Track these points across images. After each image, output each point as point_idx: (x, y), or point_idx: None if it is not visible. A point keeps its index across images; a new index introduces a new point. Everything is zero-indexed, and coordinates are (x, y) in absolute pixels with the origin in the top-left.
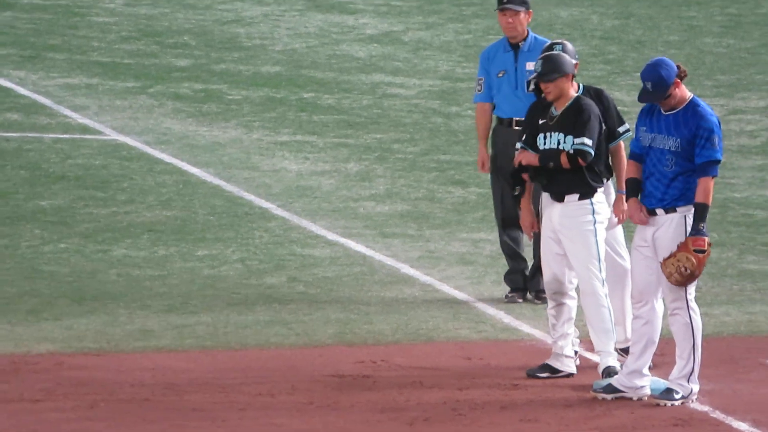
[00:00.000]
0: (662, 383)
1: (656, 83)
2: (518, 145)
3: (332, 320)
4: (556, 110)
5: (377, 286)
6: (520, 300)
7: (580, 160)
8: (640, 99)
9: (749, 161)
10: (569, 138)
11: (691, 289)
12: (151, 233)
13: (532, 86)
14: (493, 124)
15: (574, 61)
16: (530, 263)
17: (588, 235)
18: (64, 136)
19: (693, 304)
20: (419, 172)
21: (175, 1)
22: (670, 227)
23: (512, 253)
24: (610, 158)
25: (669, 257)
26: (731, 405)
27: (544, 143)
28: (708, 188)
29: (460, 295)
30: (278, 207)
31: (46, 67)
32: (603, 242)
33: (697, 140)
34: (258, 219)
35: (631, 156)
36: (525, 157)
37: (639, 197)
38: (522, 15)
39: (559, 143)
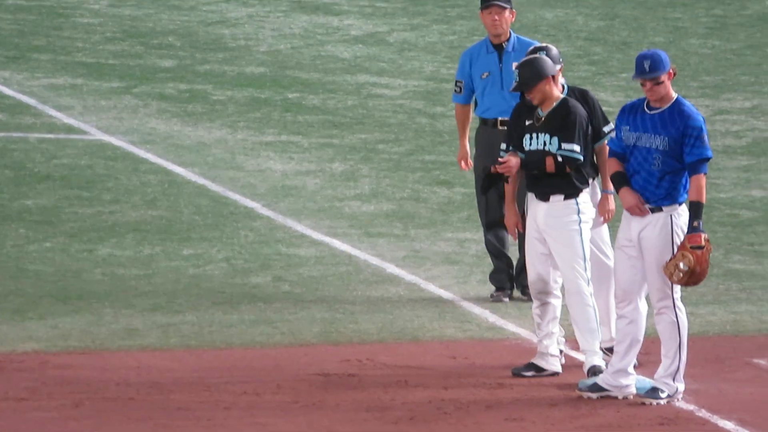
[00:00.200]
0: (648, 382)
1: (655, 62)
2: (501, 153)
3: (317, 319)
4: (543, 111)
5: (362, 285)
6: (506, 299)
7: (567, 167)
8: (636, 76)
9: (735, 162)
10: (555, 139)
11: (677, 288)
12: (136, 233)
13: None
14: (477, 124)
15: (557, 66)
16: (516, 260)
17: (573, 235)
18: (49, 136)
19: (679, 303)
20: (404, 172)
21: (159, 2)
22: (656, 227)
23: (497, 253)
24: (595, 157)
25: (670, 259)
26: (717, 404)
27: (530, 144)
28: (701, 186)
29: (445, 294)
30: (263, 207)
31: (30, 68)
32: (588, 242)
33: (687, 139)
34: (243, 218)
35: (612, 154)
36: (508, 162)
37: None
38: (507, 13)
39: (545, 144)
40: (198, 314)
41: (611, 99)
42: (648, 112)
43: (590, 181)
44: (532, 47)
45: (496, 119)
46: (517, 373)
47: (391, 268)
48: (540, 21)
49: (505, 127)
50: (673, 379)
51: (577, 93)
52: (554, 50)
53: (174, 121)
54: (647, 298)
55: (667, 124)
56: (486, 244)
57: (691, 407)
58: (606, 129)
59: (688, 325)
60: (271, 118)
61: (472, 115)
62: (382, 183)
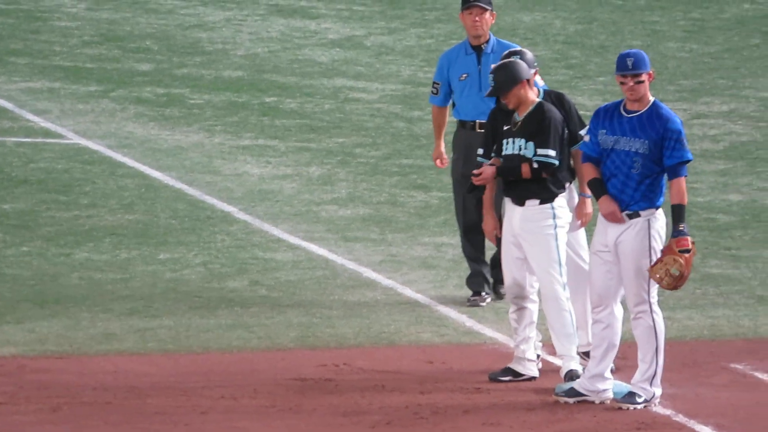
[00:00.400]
0: (625, 387)
1: (638, 60)
2: (479, 159)
3: (294, 324)
4: (519, 116)
5: (339, 289)
6: (483, 304)
7: (543, 173)
8: (618, 72)
9: (712, 166)
10: (530, 144)
11: (654, 293)
12: (114, 237)
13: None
14: (455, 128)
15: (532, 69)
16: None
17: (549, 240)
18: (26, 140)
19: (656, 308)
20: (381, 176)
21: (137, 5)
22: (633, 231)
23: (474, 257)
24: (572, 161)
25: (656, 263)
26: (694, 409)
27: (507, 149)
28: (682, 188)
29: (422, 298)
30: (240, 211)
31: (8, 72)
32: (564, 246)
33: (667, 142)
34: (220, 223)
35: (587, 159)
36: (484, 172)
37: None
38: (487, 15)
39: (520, 149)
40: (175, 318)
41: (588, 103)
42: (625, 115)
43: (567, 185)
44: (506, 51)
45: (474, 122)
46: (494, 378)
47: (368, 273)
48: (518, 24)
49: (483, 130)
50: (650, 384)
51: (553, 96)
52: (529, 54)
53: (151, 125)
54: (623, 303)
55: (646, 127)
56: (463, 248)
57: (668, 412)
58: (582, 132)
59: (665, 329)
60: (248, 122)
61: (448, 117)
62: (359, 187)
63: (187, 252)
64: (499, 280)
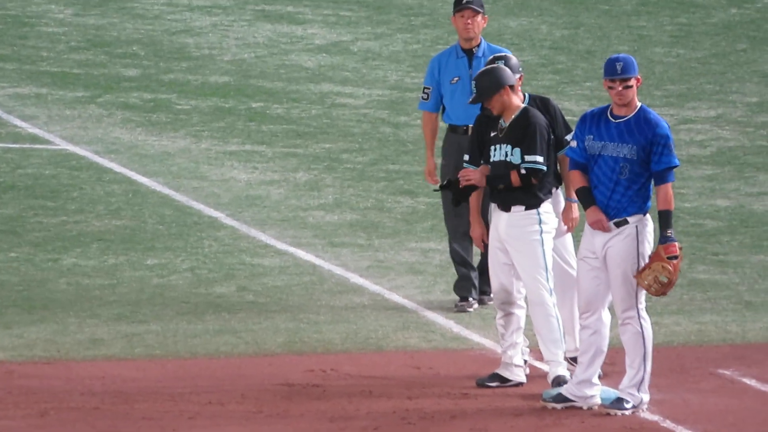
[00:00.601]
0: (612, 392)
1: (627, 64)
2: (465, 165)
3: (281, 329)
4: (505, 122)
5: (326, 295)
6: (470, 309)
7: (532, 179)
8: (606, 76)
9: (699, 171)
10: (516, 151)
11: (642, 298)
12: (101, 242)
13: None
14: (444, 132)
15: (517, 75)
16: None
17: (535, 245)
18: (14, 145)
19: (644, 314)
20: (368, 181)
21: (124, 11)
22: (621, 237)
23: (462, 262)
24: (558, 166)
25: (643, 269)
26: (681, 414)
27: (493, 155)
28: (669, 194)
29: (409, 304)
30: (227, 216)
31: None
32: (550, 252)
33: (655, 147)
34: (207, 228)
35: (574, 166)
36: (473, 174)
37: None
38: (479, 18)
39: (506, 155)
40: (162, 324)
41: (575, 108)
42: (613, 120)
43: (553, 190)
44: (491, 57)
45: (465, 126)
46: (481, 384)
47: (355, 278)
48: (504, 29)
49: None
50: (638, 390)
51: (538, 101)
52: (513, 59)
53: (138, 130)
54: (611, 308)
55: (634, 132)
56: (451, 253)
57: (655, 418)
58: (568, 138)
59: (652, 335)
60: (235, 127)
61: (439, 124)
62: (346, 193)
63: (174, 257)
64: (485, 290)
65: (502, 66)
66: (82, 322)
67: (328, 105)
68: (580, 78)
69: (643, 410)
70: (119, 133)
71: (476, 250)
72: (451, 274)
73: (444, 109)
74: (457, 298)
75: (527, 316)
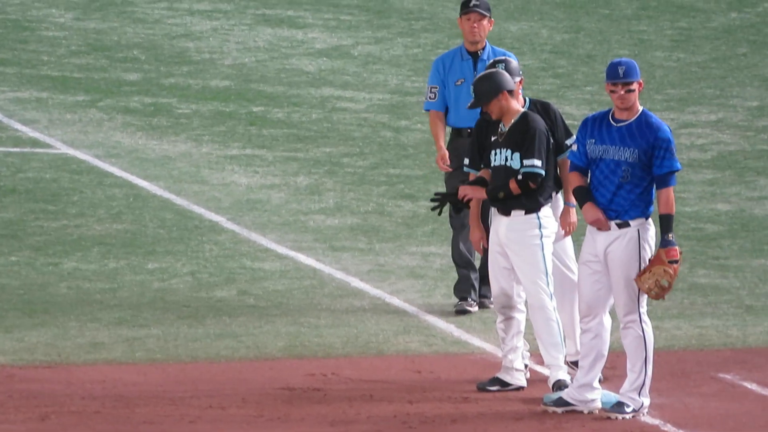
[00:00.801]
0: (613, 396)
1: (629, 68)
2: (465, 169)
3: (282, 333)
4: (504, 126)
5: (327, 299)
6: (471, 309)
7: (530, 184)
8: (608, 80)
9: (700, 175)
10: (516, 155)
11: (644, 302)
12: (102, 246)
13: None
14: (448, 135)
15: (517, 78)
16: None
17: (535, 250)
18: (15, 149)
19: (645, 318)
20: (369, 185)
21: (124, 15)
22: (623, 241)
23: (465, 263)
24: (558, 170)
25: (643, 273)
26: (682, 418)
27: (494, 160)
28: (670, 198)
29: (410, 308)
30: (228, 220)
31: None
32: (550, 256)
33: (657, 151)
34: (208, 232)
35: (574, 168)
36: (471, 192)
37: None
38: (485, 21)
39: (506, 160)
40: (163, 328)
41: (576, 112)
42: (614, 124)
43: (553, 194)
44: (491, 60)
45: (470, 129)
46: (482, 388)
47: (356, 282)
48: (504, 34)
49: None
50: (639, 394)
51: (539, 106)
52: (513, 63)
53: (139, 134)
54: (612, 312)
55: (636, 136)
56: (454, 253)
57: (656, 422)
58: (568, 142)
59: (653, 339)
60: (235, 131)
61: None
62: (347, 197)
63: (175, 261)
64: (485, 294)
65: (501, 71)
66: (82, 326)
67: (328, 109)
68: (580, 82)
69: (643, 414)
70: (120, 137)
71: (476, 255)
72: (452, 278)
73: (447, 111)
74: (456, 299)
75: (527, 320)
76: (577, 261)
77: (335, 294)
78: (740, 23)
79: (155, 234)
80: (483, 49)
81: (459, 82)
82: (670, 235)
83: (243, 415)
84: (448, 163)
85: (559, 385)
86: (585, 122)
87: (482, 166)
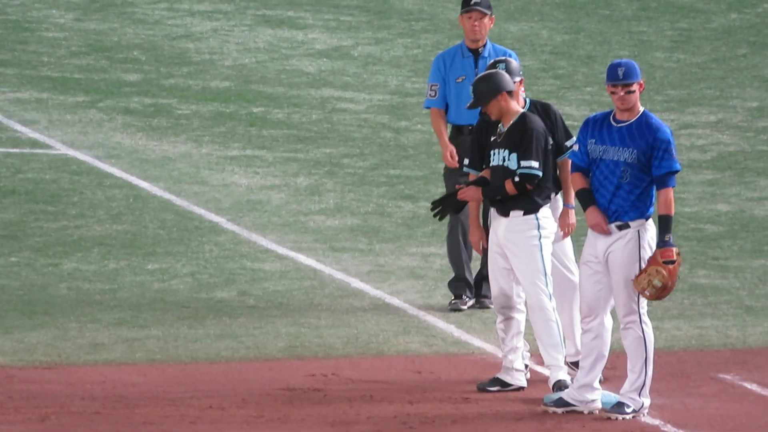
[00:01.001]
0: (613, 397)
1: (629, 69)
2: (465, 169)
3: (282, 334)
4: (503, 127)
5: (327, 299)
6: (464, 307)
7: (527, 185)
8: (608, 82)
9: (699, 176)
10: (513, 156)
11: (644, 303)
12: (102, 247)
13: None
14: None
15: (517, 78)
16: (476, 272)
17: (533, 251)
18: (14, 150)
19: (646, 318)
20: (369, 186)
21: (124, 16)
22: (623, 242)
23: (460, 260)
24: (558, 171)
25: (640, 273)
26: (682, 419)
27: (492, 160)
28: (669, 199)
29: (410, 308)
30: (228, 221)
31: None
32: (549, 257)
33: (656, 152)
34: (208, 233)
35: (576, 169)
36: (469, 194)
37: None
38: (486, 20)
39: (504, 160)
40: (163, 329)
41: (576, 113)
42: (615, 125)
43: (552, 195)
44: (491, 61)
45: (471, 126)
46: (482, 388)
47: (356, 283)
48: (505, 34)
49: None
50: (639, 394)
51: (539, 107)
52: (513, 63)
53: (139, 135)
54: (613, 313)
55: (635, 137)
56: (449, 249)
57: (656, 422)
58: (568, 143)
59: (654, 339)
60: (235, 132)
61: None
62: (347, 197)
63: (175, 262)
64: (486, 294)
65: (501, 71)
66: (82, 326)
67: (328, 110)
68: (580, 83)
69: (643, 415)
70: (120, 138)
71: (476, 255)
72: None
73: (447, 108)
74: (451, 296)
75: (527, 320)
76: (577, 262)
77: (335, 294)
78: (740, 24)
79: (155, 235)
80: (484, 46)
81: (460, 80)
82: (668, 236)
83: (243, 415)
84: (456, 158)
85: (560, 386)
86: (586, 123)
87: (483, 166)
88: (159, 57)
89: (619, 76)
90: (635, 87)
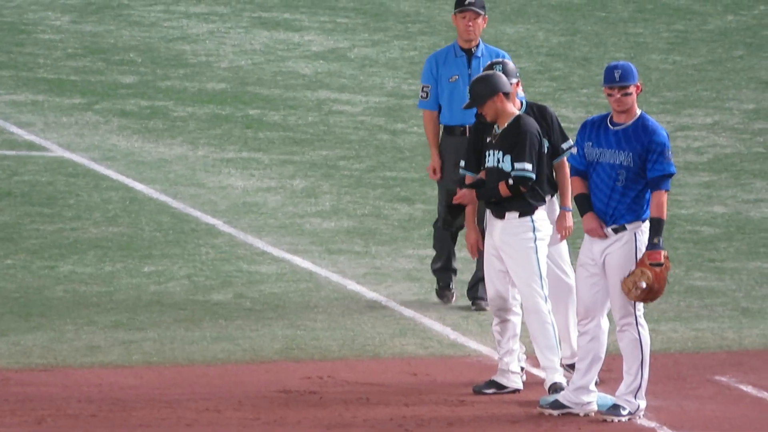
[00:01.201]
0: (609, 399)
1: (625, 71)
2: (461, 171)
3: (279, 336)
4: (498, 128)
5: (323, 302)
6: (451, 301)
7: (521, 188)
8: (605, 84)
9: (696, 178)
10: (507, 158)
11: (640, 305)
12: (98, 249)
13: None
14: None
15: (513, 80)
16: (472, 275)
17: (529, 253)
18: (10, 152)
19: (642, 320)
20: (365, 188)
21: (120, 18)
22: (619, 245)
23: (444, 251)
24: (554, 173)
25: (627, 275)
26: (678, 421)
27: (487, 161)
28: (662, 202)
29: (406, 311)
30: (224, 223)
31: None
32: (544, 259)
33: (650, 155)
34: (204, 235)
35: (575, 173)
36: (463, 197)
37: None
38: (480, 20)
39: (498, 161)
40: (159, 331)
41: (572, 115)
42: (611, 127)
43: (548, 198)
44: (489, 62)
45: (463, 126)
46: (478, 391)
47: (352, 285)
48: (501, 36)
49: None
50: (635, 396)
51: (535, 109)
52: (510, 65)
53: (135, 137)
54: (609, 315)
55: (632, 140)
56: (437, 240)
57: (652, 424)
58: (564, 146)
59: (650, 342)
60: (231, 134)
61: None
62: (343, 200)
63: (171, 265)
64: (481, 296)
65: (498, 73)
66: (79, 329)
67: (325, 112)
68: (576, 85)
69: (639, 417)
70: (116, 140)
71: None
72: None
73: (440, 109)
74: (438, 284)
75: (523, 323)
76: (574, 264)
77: (331, 297)
78: (736, 26)
79: (151, 237)
80: (477, 46)
81: (453, 79)
82: (657, 239)
83: (239, 417)
84: (440, 176)
85: (555, 388)
86: (584, 125)
87: (463, 171)
88: (155, 59)
89: (615, 78)
90: (632, 89)
